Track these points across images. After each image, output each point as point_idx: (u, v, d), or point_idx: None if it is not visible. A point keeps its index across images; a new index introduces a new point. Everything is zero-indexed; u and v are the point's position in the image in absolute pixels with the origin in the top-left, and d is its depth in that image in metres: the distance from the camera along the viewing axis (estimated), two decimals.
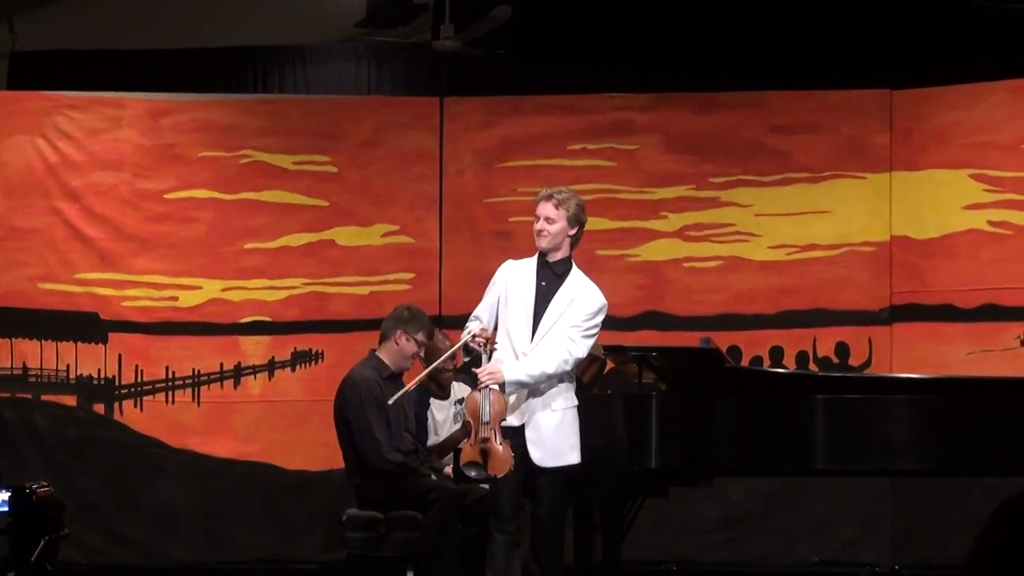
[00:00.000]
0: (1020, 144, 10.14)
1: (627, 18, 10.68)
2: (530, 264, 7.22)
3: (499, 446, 6.94)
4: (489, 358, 7.01)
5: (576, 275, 7.20)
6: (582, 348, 7.09)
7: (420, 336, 8.24)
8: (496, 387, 6.97)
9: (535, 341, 7.05)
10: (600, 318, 7.15)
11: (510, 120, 10.71)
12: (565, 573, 7.37)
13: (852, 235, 10.43)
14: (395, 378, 8.27)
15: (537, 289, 7.12)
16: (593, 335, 7.14)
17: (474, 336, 7.02)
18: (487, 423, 6.93)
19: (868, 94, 10.45)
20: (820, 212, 10.50)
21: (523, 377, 7.01)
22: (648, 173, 10.63)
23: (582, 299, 7.12)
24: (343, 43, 11.46)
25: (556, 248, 7.16)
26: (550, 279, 7.15)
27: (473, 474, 7.04)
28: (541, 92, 10.71)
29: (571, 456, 7.11)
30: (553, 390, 7.08)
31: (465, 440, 7.07)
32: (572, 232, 7.16)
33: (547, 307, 7.08)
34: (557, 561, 7.21)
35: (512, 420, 7.05)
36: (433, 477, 8.31)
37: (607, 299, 7.26)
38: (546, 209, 7.13)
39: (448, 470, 8.48)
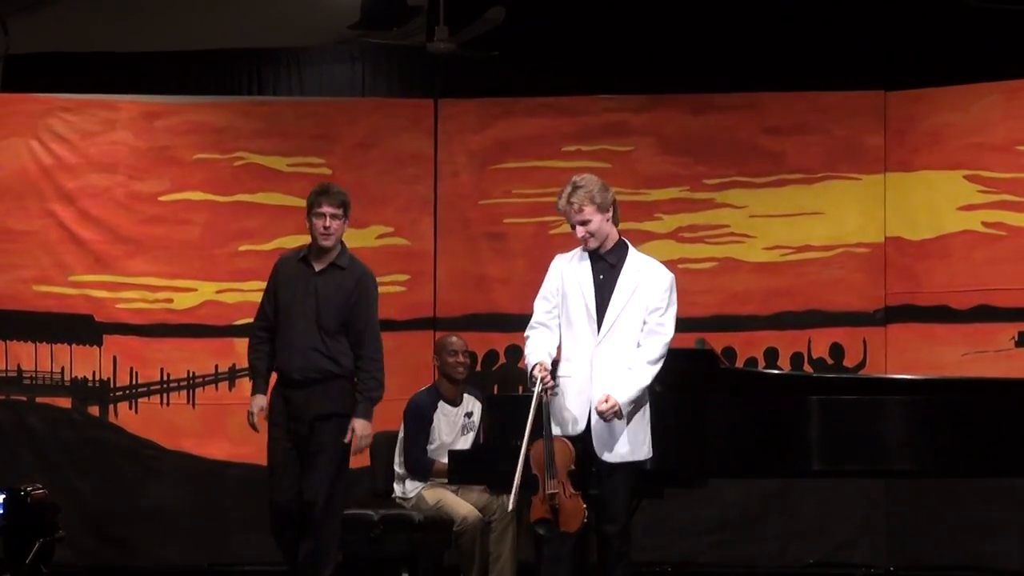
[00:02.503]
0: (1014, 145, 10.15)
1: (621, 20, 10.68)
2: (583, 259, 6.93)
3: (568, 499, 6.68)
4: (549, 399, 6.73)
5: (632, 259, 6.92)
6: (671, 327, 6.89)
7: (324, 208, 7.70)
8: (559, 432, 6.70)
9: (601, 337, 6.81)
10: (674, 292, 6.90)
11: (504, 122, 10.72)
12: None
13: (846, 236, 10.44)
14: None
15: (596, 284, 6.87)
16: (674, 309, 6.91)
17: (546, 389, 6.70)
18: (554, 476, 6.67)
19: (862, 95, 10.46)
20: (814, 213, 10.51)
21: (635, 393, 6.78)
22: (642, 175, 10.63)
23: (648, 283, 6.87)
24: (337, 45, 11.46)
25: (605, 238, 6.90)
26: (607, 271, 6.89)
27: (542, 532, 6.74)
28: (535, 94, 10.72)
29: (642, 451, 6.92)
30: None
31: (534, 495, 6.74)
32: (609, 215, 6.88)
33: (609, 301, 6.85)
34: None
35: (571, 429, 6.81)
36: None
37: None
38: (575, 215, 6.85)
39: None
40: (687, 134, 10.62)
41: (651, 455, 6.93)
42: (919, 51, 10.40)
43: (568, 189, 6.89)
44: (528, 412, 6.68)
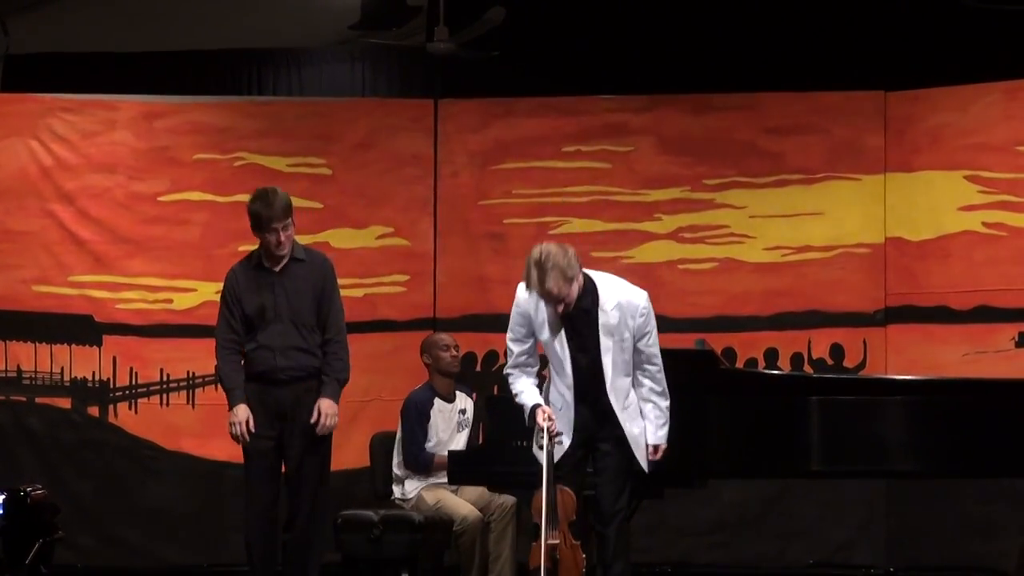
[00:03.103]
0: (1014, 145, 10.15)
1: (621, 20, 10.68)
2: (551, 308, 6.89)
3: (568, 549, 6.69)
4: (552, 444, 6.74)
5: (605, 294, 6.90)
6: (657, 344, 6.98)
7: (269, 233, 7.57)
8: (562, 485, 6.73)
9: (610, 377, 6.86)
10: (652, 310, 6.95)
11: (504, 122, 10.72)
12: None
13: (846, 237, 10.44)
14: None
15: (570, 334, 6.87)
16: (655, 324, 6.97)
17: (552, 439, 6.72)
18: (556, 527, 6.66)
19: (862, 96, 10.46)
20: (814, 214, 10.51)
21: (667, 427, 6.98)
22: (642, 175, 10.63)
23: (628, 309, 6.89)
24: (337, 45, 11.46)
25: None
26: (581, 316, 6.89)
27: None
28: (535, 94, 10.71)
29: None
30: (632, 396, 7.00)
31: (533, 542, 6.75)
32: (579, 279, 6.83)
33: (597, 340, 6.86)
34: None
35: (566, 441, 6.87)
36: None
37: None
38: (555, 299, 6.78)
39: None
40: (687, 134, 10.62)
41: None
42: (919, 51, 10.39)
43: (535, 273, 6.75)
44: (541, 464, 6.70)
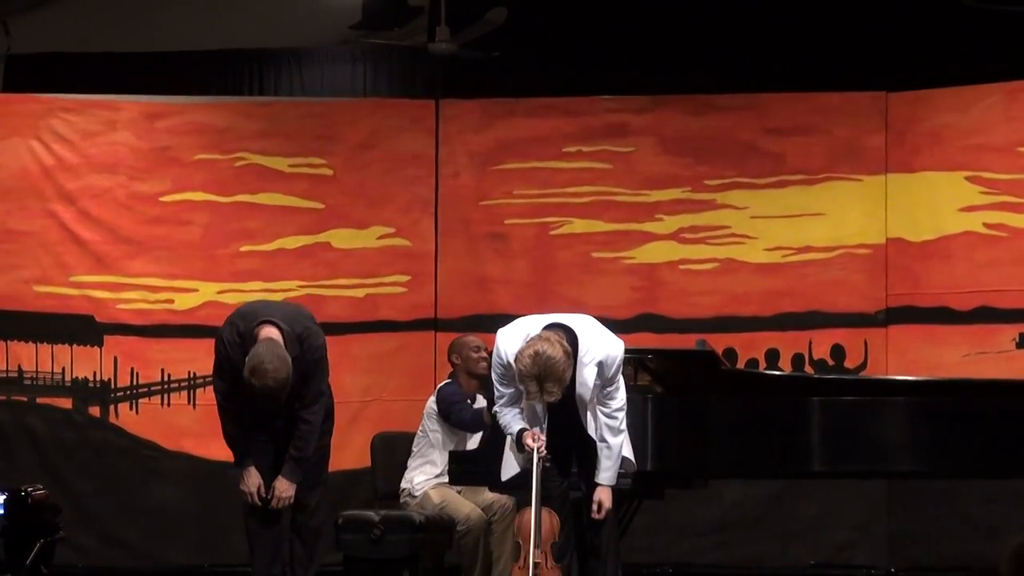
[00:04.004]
0: (1015, 146, 10.15)
1: (622, 20, 10.68)
2: None
3: (549, 571, 6.71)
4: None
5: (584, 350, 6.79)
6: (623, 392, 6.90)
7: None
8: (546, 507, 6.74)
9: (591, 424, 6.85)
10: (621, 366, 6.87)
11: (505, 122, 10.72)
12: None
13: (847, 237, 10.44)
14: None
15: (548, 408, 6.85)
16: (622, 380, 6.92)
17: (541, 459, 6.70)
18: (538, 547, 6.67)
19: (863, 96, 10.46)
20: (815, 214, 10.51)
21: (616, 473, 6.89)
22: (643, 175, 10.63)
23: (606, 364, 6.82)
24: (339, 45, 11.46)
25: None
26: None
27: None
28: (536, 94, 10.71)
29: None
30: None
31: (514, 563, 6.81)
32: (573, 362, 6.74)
33: (573, 398, 6.82)
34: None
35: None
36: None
37: (618, 346, 6.92)
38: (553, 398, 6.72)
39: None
40: (688, 135, 10.62)
41: (635, 466, 7.07)
42: (920, 52, 10.39)
43: (532, 386, 6.64)
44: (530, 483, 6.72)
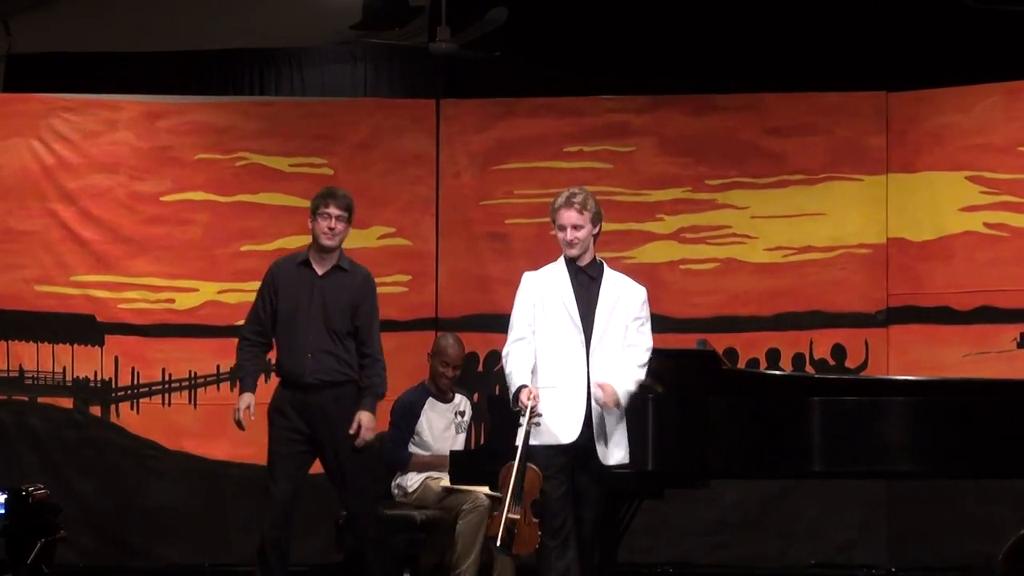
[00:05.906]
0: (1016, 146, 10.15)
1: (623, 20, 10.69)
2: (559, 271, 7.03)
3: (528, 525, 6.77)
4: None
5: (609, 275, 7.04)
6: (650, 337, 7.05)
7: (330, 209, 7.65)
8: (531, 464, 6.78)
9: (594, 345, 6.91)
10: (648, 306, 7.06)
11: (506, 122, 10.72)
12: None
13: (848, 237, 10.45)
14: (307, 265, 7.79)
15: (577, 295, 6.95)
16: (650, 323, 7.07)
17: (532, 416, 6.77)
18: (519, 501, 6.75)
19: (864, 96, 10.47)
20: (816, 214, 10.51)
21: (633, 387, 6.96)
22: (644, 175, 10.64)
23: (627, 294, 7.00)
24: (339, 45, 11.46)
25: (586, 251, 7.01)
26: (587, 283, 6.98)
27: (495, 549, 6.90)
28: (537, 94, 10.72)
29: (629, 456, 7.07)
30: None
31: (495, 512, 6.87)
32: (596, 231, 7.01)
33: (595, 310, 6.94)
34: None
35: (563, 438, 6.88)
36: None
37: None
38: (571, 217, 6.95)
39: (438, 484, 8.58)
40: (689, 135, 10.62)
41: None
42: (921, 52, 10.40)
43: (567, 191, 7.03)
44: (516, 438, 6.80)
